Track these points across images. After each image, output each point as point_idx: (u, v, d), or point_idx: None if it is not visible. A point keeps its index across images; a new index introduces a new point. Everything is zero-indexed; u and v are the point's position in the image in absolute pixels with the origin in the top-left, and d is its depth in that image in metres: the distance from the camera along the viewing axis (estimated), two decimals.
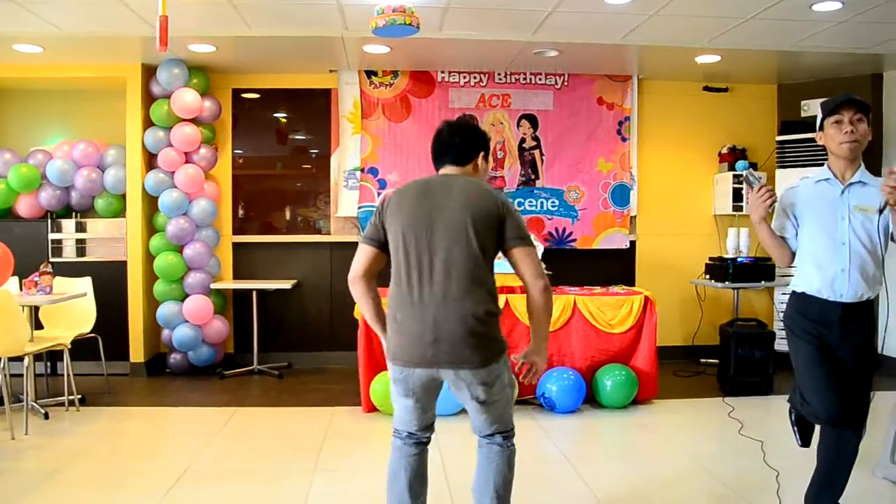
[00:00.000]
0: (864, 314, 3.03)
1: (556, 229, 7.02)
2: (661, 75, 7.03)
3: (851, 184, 3.02)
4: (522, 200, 6.98)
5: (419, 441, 2.89)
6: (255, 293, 6.65)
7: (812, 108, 6.53)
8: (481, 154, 2.88)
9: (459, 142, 2.84)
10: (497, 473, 2.80)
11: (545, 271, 2.78)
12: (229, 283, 6.73)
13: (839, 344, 3.04)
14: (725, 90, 7.23)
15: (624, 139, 7.06)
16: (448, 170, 2.85)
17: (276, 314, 6.97)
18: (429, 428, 2.90)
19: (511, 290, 5.43)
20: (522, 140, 7.00)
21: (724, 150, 7.16)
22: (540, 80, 6.96)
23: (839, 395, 3.01)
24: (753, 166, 7.00)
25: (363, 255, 2.82)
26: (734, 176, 6.92)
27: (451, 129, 2.87)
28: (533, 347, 2.79)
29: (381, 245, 2.79)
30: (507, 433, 2.84)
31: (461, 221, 2.64)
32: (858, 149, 2.99)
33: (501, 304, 5.25)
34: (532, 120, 6.99)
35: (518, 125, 6.99)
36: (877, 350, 3.12)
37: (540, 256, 5.60)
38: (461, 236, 2.64)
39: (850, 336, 3.02)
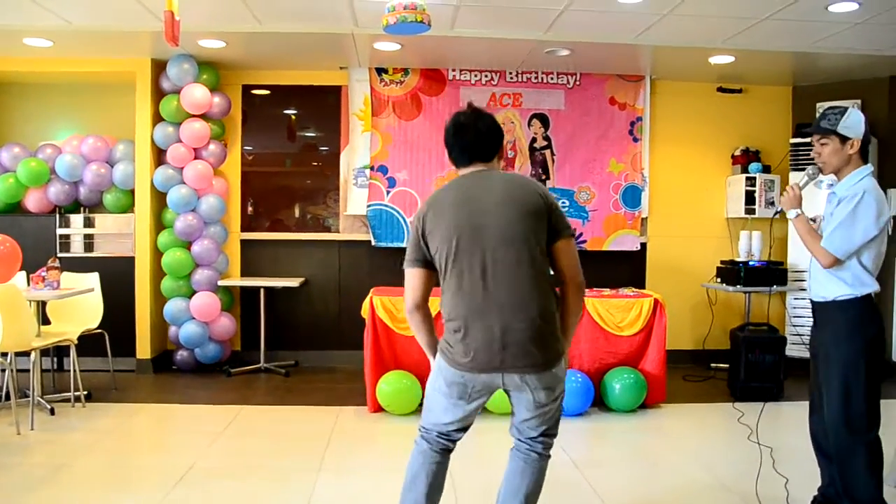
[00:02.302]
0: (829, 315, 3.16)
1: None
2: (674, 76, 6.96)
3: (830, 193, 3.24)
4: None
5: (445, 448, 2.78)
6: (262, 291, 6.62)
7: None
8: (503, 142, 2.77)
9: (483, 140, 2.68)
10: (532, 482, 2.74)
11: None
12: (237, 281, 6.72)
13: (817, 341, 3.26)
14: (739, 91, 7.15)
15: (636, 140, 7.00)
16: (475, 167, 2.69)
17: (284, 312, 6.95)
18: (464, 430, 2.78)
19: None
20: (533, 140, 6.95)
21: (738, 153, 7.09)
22: (552, 79, 6.91)
23: (815, 401, 3.31)
24: (767, 169, 6.94)
25: (416, 280, 2.66)
26: (747, 178, 6.86)
27: (476, 129, 2.69)
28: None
29: (429, 263, 2.65)
30: (552, 438, 2.79)
31: (509, 220, 2.53)
32: (830, 166, 3.16)
33: None
34: (543, 119, 6.94)
35: (529, 125, 6.94)
36: (840, 355, 3.09)
37: None
38: (513, 236, 2.52)
39: (819, 334, 3.24)
